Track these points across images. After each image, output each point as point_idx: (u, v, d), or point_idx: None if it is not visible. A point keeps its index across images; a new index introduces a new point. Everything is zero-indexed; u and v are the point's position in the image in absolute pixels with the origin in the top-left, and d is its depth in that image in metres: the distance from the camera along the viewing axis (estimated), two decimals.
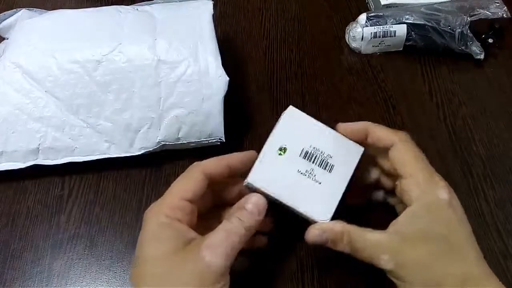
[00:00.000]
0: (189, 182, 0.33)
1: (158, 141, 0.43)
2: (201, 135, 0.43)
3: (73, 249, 0.40)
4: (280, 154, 0.35)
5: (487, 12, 0.51)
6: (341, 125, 0.37)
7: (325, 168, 0.35)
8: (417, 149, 0.35)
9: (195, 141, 0.43)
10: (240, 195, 0.35)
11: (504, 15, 0.51)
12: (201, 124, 0.43)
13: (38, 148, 0.42)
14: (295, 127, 0.36)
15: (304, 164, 0.35)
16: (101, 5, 0.48)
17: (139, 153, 0.43)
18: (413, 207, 0.32)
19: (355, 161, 0.36)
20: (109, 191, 0.44)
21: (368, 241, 0.32)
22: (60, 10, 0.48)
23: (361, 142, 0.36)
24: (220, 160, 0.35)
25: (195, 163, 0.35)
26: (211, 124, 0.43)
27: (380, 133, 0.35)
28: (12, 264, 0.39)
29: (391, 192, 0.38)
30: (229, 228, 0.31)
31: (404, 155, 0.34)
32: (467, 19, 0.51)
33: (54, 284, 0.39)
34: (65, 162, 0.42)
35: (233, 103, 0.45)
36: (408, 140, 0.35)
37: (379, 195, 0.40)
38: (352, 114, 0.49)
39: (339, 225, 0.33)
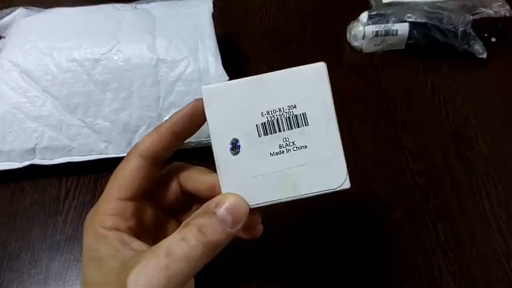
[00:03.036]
0: (124, 175, 0.26)
1: None
2: (201, 135, 0.42)
3: (71, 250, 0.40)
4: (235, 151, 0.26)
5: (490, 11, 0.51)
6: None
7: (298, 125, 0.26)
8: None
9: (195, 141, 0.43)
10: (213, 189, 0.27)
11: (507, 14, 0.51)
12: None
13: (35, 147, 0.41)
14: (227, 107, 0.26)
15: (271, 141, 0.25)
16: (99, 3, 0.48)
17: None
18: None
19: (325, 84, 0.26)
20: None
21: None
22: (58, 8, 0.47)
23: None
24: (158, 129, 0.26)
25: (133, 145, 0.27)
26: None
27: None
28: (9, 265, 0.39)
29: None
30: (174, 249, 0.22)
31: None
32: (469, 17, 0.50)
33: (51, 285, 0.38)
34: (62, 162, 0.42)
35: None
36: None
37: None
38: (354, 113, 0.49)
39: None
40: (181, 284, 0.22)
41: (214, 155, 0.26)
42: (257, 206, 0.25)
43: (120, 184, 0.26)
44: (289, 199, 0.25)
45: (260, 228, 0.28)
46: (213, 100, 0.26)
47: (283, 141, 0.26)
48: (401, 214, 0.41)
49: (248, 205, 0.25)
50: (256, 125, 0.26)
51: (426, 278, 0.38)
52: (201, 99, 0.26)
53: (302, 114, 0.26)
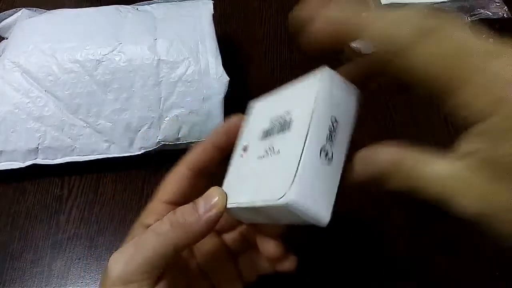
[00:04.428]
0: (170, 181, 0.29)
1: (158, 141, 0.42)
2: (201, 135, 0.43)
3: (73, 249, 0.40)
4: (243, 154, 0.26)
5: (488, 12, 0.51)
6: None
7: (283, 130, 0.23)
8: None
9: (195, 141, 0.43)
10: None
11: (505, 15, 0.51)
12: (201, 124, 0.43)
13: (37, 147, 0.42)
14: (257, 118, 0.28)
15: (262, 144, 0.25)
16: (101, 5, 0.48)
17: (139, 153, 0.43)
18: None
19: (315, 89, 0.23)
20: (108, 191, 0.43)
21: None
22: (60, 9, 0.48)
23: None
24: (203, 143, 0.29)
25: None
26: (211, 124, 0.43)
27: None
28: (11, 264, 0.39)
29: None
30: (143, 235, 0.25)
31: None
32: (467, 19, 0.51)
33: (54, 284, 0.38)
34: (64, 162, 0.42)
35: (233, 103, 0.45)
36: None
37: None
38: None
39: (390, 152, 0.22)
40: (152, 267, 0.25)
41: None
42: (231, 206, 0.25)
43: (166, 188, 0.29)
44: (246, 205, 0.24)
45: (292, 260, 0.29)
46: (252, 113, 0.28)
47: (269, 145, 0.24)
48: (399, 215, 0.42)
49: (224, 194, 0.25)
50: (262, 130, 0.26)
51: (424, 278, 0.38)
52: (237, 116, 0.29)
53: (289, 118, 0.23)
